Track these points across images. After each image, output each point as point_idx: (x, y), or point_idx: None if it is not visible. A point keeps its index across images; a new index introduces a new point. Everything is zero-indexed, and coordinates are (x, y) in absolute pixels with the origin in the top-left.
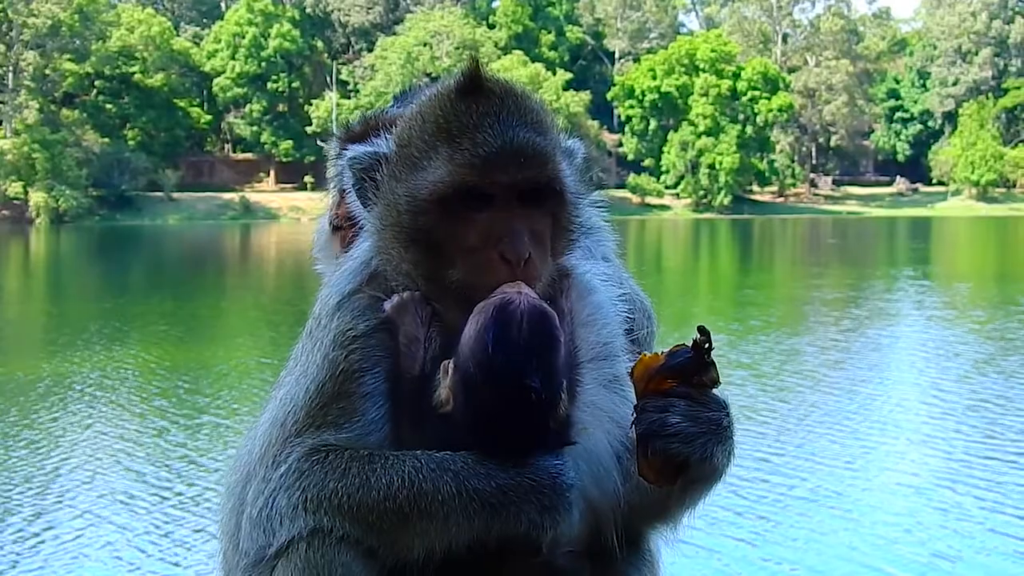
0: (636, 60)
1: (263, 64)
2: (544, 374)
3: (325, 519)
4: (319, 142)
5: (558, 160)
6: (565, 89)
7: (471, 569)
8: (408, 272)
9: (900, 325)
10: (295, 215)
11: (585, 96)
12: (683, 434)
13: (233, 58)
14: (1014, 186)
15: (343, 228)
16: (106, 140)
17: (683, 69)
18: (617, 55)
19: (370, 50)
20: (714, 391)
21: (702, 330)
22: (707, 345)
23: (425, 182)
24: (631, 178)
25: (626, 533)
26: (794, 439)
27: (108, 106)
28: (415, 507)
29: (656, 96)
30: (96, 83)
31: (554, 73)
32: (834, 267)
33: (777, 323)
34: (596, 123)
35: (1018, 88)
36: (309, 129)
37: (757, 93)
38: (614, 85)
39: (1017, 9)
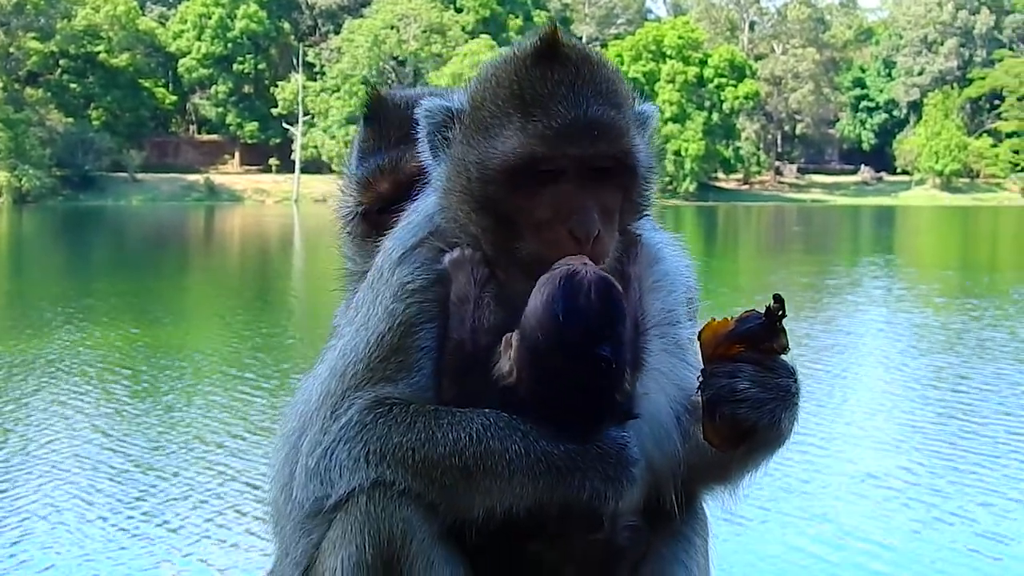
0: (603, 46)
1: (229, 45)
2: (613, 344)
3: (388, 472)
4: (285, 124)
5: (632, 134)
6: None
7: (533, 547)
8: (474, 235)
9: (862, 311)
10: (260, 197)
11: None
12: (752, 400)
13: (199, 39)
14: (978, 176)
15: (371, 214)
16: (70, 120)
17: (650, 55)
18: (584, 40)
19: (337, 32)
20: (782, 357)
21: (777, 298)
22: (780, 312)
23: (496, 151)
24: None
25: (684, 495)
26: None
27: (72, 86)
28: (481, 464)
29: None
30: (61, 62)
31: None
32: (798, 254)
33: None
34: None
35: (983, 78)
36: (275, 111)
37: (724, 80)
38: None
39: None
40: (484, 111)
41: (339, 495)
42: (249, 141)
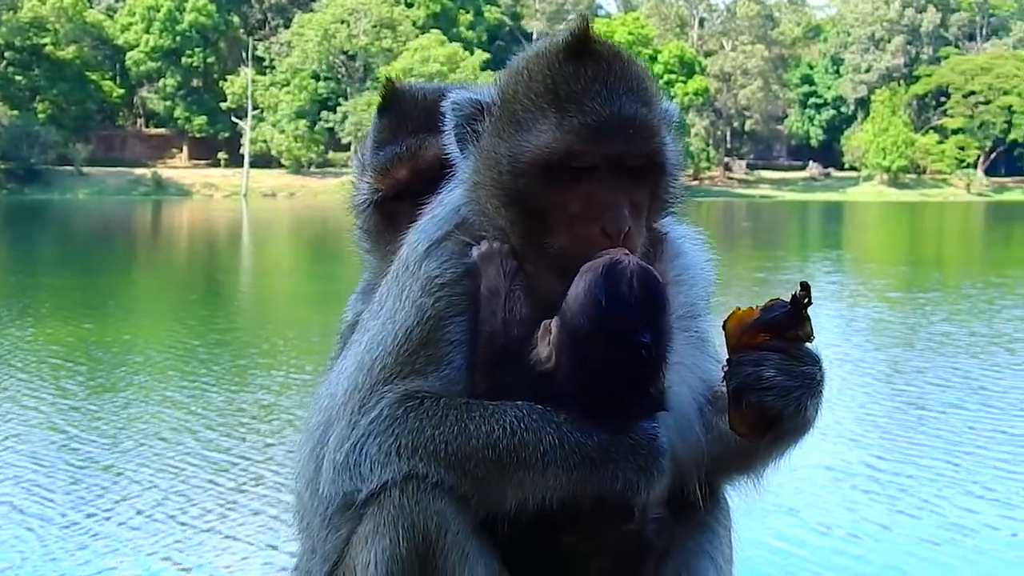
0: None
1: (178, 38)
2: (655, 332)
3: (420, 465)
4: (234, 118)
5: (662, 132)
6: (483, 69)
7: (565, 539)
8: (502, 228)
9: (817, 305)
10: (208, 192)
11: None
12: (778, 388)
13: (147, 32)
14: (924, 172)
15: (386, 202)
16: (15, 112)
17: None
18: (535, 36)
19: (287, 26)
20: (807, 345)
21: (804, 285)
22: (806, 300)
23: (529, 145)
24: None
25: (707, 486)
26: None
27: (18, 78)
28: (515, 456)
29: None
30: (6, 54)
31: (472, 53)
32: (748, 250)
33: None
34: None
35: (929, 75)
36: (224, 105)
37: (673, 76)
38: None
39: None
40: (516, 104)
41: (370, 489)
42: (197, 135)
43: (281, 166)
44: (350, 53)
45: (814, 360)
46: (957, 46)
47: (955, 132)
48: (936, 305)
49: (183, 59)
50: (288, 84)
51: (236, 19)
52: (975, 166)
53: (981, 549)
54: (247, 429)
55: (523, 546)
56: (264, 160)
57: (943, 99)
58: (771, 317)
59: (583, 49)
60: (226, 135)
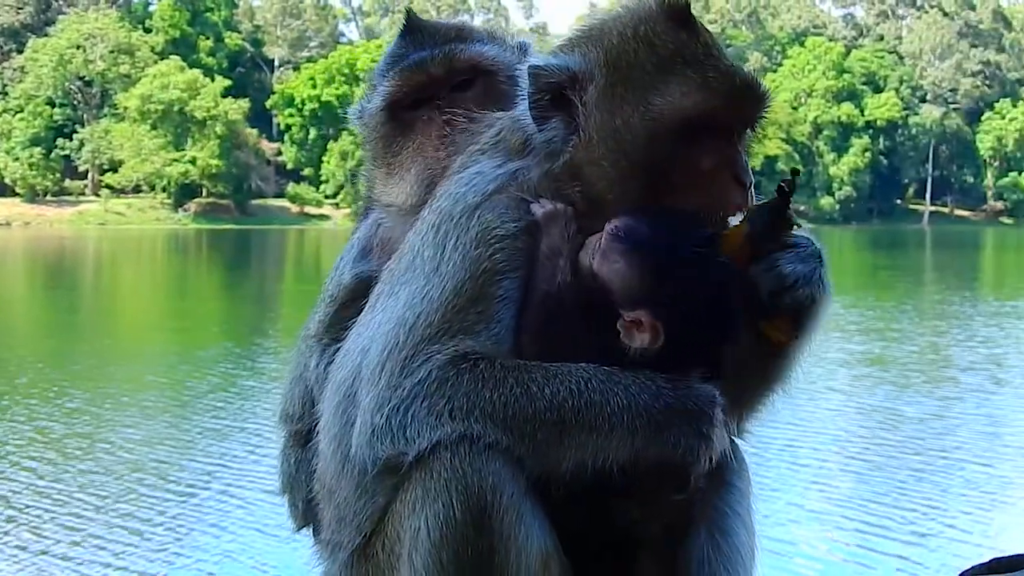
0: (296, 68)
1: None
2: (743, 292)
3: (475, 427)
4: None
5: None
6: (224, 96)
7: (617, 506)
8: (606, 199)
9: None
10: None
11: (244, 104)
12: (800, 277)
13: None
14: None
15: (399, 110)
16: None
17: (343, 79)
18: (277, 63)
19: (20, 51)
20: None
21: (787, 183)
22: (790, 192)
23: (668, 107)
24: (290, 187)
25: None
26: None
27: None
28: (581, 418)
29: (316, 105)
30: None
31: (212, 79)
32: None
33: None
34: (255, 131)
35: None
36: None
37: None
38: (274, 93)
39: None
40: (637, 71)
41: (418, 451)
42: None
43: (16, 195)
44: (87, 79)
45: (808, 240)
46: None
47: None
48: None
49: None
50: (22, 110)
51: None
52: None
53: None
54: None
55: (573, 511)
56: None
57: None
58: (762, 224)
59: (687, 16)
60: None
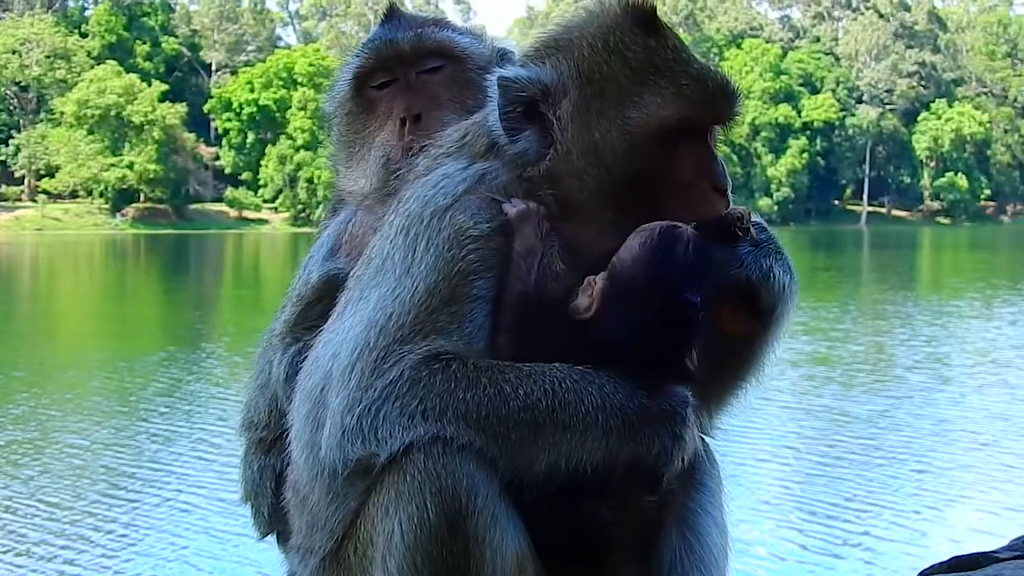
0: (234, 73)
1: None
2: (702, 295)
3: (448, 428)
4: None
5: None
6: (161, 101)
7: (587, 508)
8: (585, 207)
9: None
10: None
11: (182, 108)
12: (734, 260)
13: None
14: None
15: (367, 88)
16: None
17: (281, 83)
18: (214, 67)
19: None
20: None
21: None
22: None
23: (644, 117)
24: (228, 192)
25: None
26: None
27: None
28: (555, 417)
29: (254, 109)
30: None
31: (149, 84)
32: None
33: None
34: (193, 136)
35: None
36: None
37: None
38: (211, 97)
39: None
40: (611, 84)
41: (390, 452)
42: None
43: None
44: (22, 84)
45: (761, 228)
46: None
47: None
48: None
49: None
50: None
51: None
52: None
53: None
54: None
55: (545, 512)
56: None
57: None
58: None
59: (655, 21)
60: None
